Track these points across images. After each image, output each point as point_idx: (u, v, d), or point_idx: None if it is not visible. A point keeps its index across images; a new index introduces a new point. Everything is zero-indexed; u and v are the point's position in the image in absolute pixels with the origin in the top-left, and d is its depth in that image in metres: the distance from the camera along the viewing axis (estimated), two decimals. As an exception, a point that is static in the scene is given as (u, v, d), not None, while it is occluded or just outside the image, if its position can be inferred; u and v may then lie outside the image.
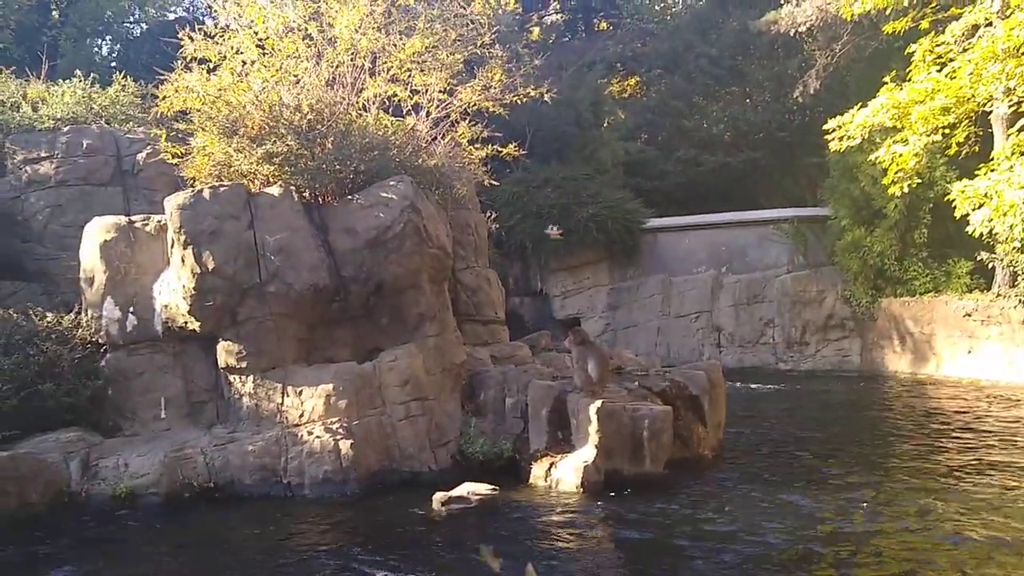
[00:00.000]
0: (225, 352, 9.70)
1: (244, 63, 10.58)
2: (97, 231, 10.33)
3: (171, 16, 30.91)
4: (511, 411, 10.23)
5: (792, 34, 21.43)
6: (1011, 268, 15.71)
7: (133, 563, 7.51)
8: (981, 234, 13.07)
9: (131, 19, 32.57)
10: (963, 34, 13.19)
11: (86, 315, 10.31)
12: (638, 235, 21.97)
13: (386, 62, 11.02)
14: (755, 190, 23.91)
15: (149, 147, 13.19)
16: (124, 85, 15.72)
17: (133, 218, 10.56)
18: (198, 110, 10.35)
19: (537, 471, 9.28)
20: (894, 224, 18.17)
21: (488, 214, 13.00)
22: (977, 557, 6.71)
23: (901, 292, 18.46)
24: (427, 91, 11.23)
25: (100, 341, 10.18)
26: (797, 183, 23.65)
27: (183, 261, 9.46)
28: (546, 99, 11.83)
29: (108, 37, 32.01)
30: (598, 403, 9.03)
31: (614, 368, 10.55)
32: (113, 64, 25.58)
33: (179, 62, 10.86)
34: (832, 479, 9.24)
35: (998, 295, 16.11)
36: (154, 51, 23.01)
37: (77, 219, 12.03)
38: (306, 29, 10.87)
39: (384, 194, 9.91)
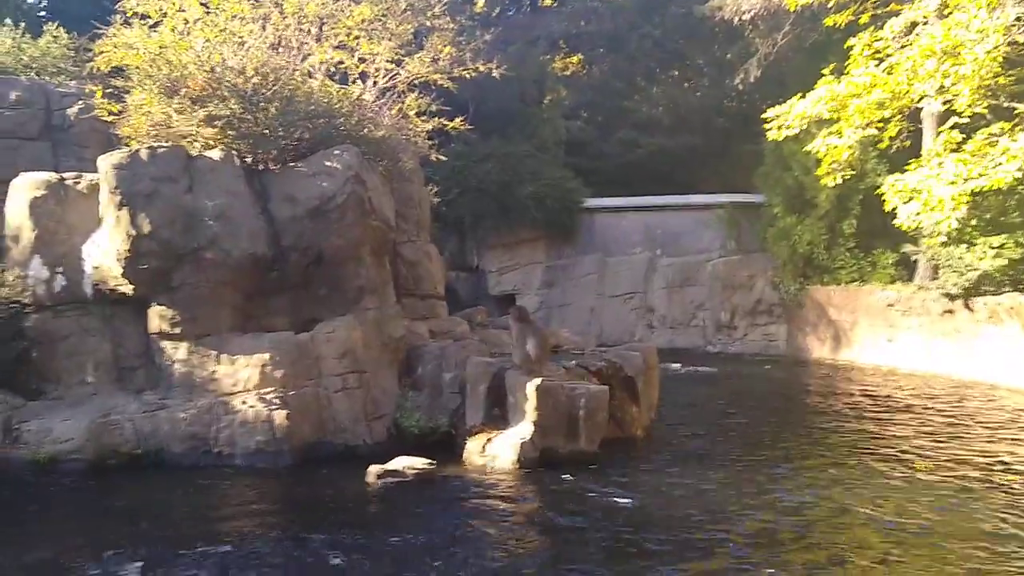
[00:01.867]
0: (158, 317, 9.49)
1: (187, 21, 10.27)
2: (26, 187, 9.97)
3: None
4: (448, 386, 10.23)
5: (735, 21, 21.68)
6: (933, 261, 16.25)
7: (52, 529, 7.33)
8: (908, 227, 13.50)
9: (61, -34, 31.19)
10: (901, 31, 13.51)
11: (11, 274, 9.94)
12: (576, 214, 22.12)
13: (333, 28, 10.81)
14: (692, 174, 24.18)
15: (81, 102, 12.70)
16: (56, 36, 15.09)
17: (64, 175, 10.21)
18: (137, 67, 10.02)
19: (473, 447, 9.31)
20: (824, 214, 18.62)
21: (429, 187, 12.91)
22: (897, 541, 6.97)
23: (828, 280, 18.95)
24: (375, 60, 11.06)
25: (25, 301, 9.82)
26: (732, 169, 23.95)
27: (117, 222, 9.18)
28: (495, 74, 11.76)
29: (35, -17, 30.64)
30: (536, 381, 9.10)
31: (552, 346, 10.63)
32: (42, 13, 24.51)
33: (117, 16, 10.49)
34: (757, 461, 9.49)
35: (920, 287, 16.66)
36: (86, 1, 22.15)
37: (3, 174, 11.51)
38: (252, -10, 10.60)
39: (328, 163, 9.76)
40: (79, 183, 10.06)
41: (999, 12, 11.40)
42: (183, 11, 10.27)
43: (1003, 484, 8.60)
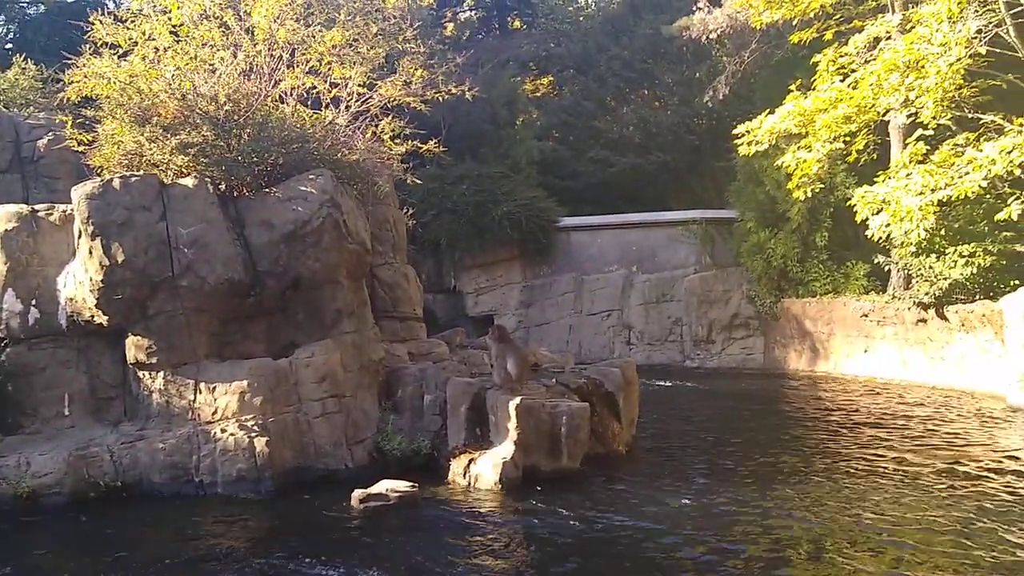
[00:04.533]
0: (134, 347, 9.42)
1: (157, 50, 10.26)
2: (-3, 220, 9.89)
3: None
4: (429, 408, 10.22)
5: (703, 40, 21.93)
6: (905, 271, 16.44)
7: (34, 565, 7.23)
8: (879, 238, 13.70)
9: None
10: (865, 46, 13.77)
11: (-16, 308, 9.85)
12: (551, 234, 22.20)
13: (304, 54, 10.84)
14: (665, 192, 24.42)
15: (51, 133, 12.65)
16: (24, 68, 15.03)
17: (36, 207, 10.14)
18: (107, 97, 9.99)
19: (456, 468, 9.29)
20: (797, 227, 18.79)
21: (405, 210, 12.93)
22: (894, 557, 7.01)
23: (802, 293, 19.11)
24: (347, 85, 11.09)
25: (0, 335, 9.74)
26: (705, 186, 24.24)
27: (91, 253, 9.13)
28: (467, 96, 11.82)
29: (1, 16, 30.51)
30: (517, 400, 9.10)
31: (531, 365, 10.65)
32: (9, 46, 24.41)
33: (87, 46, 10.47)
34: (737, 475, 9.52)
35: (893, 297, 16.84)
36: (52, 33, 22.12)
37: (-27, 207, 11.45)
38: (222, 17, 10.61)
39: (303, 188, 9.76)
40: (51, 214, 10.00)
41: (961, 25, 11.64)
42: (153, 40, 10.26)
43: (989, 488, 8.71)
